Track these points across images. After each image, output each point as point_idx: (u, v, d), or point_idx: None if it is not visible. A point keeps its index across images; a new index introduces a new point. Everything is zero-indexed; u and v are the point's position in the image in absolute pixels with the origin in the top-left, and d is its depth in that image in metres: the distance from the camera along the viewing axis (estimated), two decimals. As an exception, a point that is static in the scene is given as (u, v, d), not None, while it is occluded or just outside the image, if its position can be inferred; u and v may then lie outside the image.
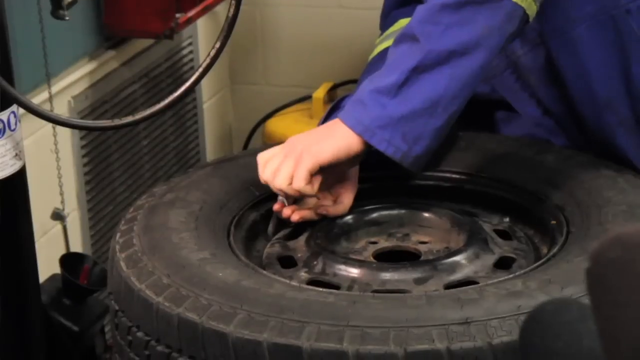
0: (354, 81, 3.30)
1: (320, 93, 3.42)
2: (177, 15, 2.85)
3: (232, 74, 3.78)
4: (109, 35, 2.94)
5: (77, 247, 2.72)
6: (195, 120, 3.49)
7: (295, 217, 1.77)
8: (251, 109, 3.71)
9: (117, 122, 2.03)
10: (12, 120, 1.87)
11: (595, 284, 0.99)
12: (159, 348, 1.48)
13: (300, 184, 1.69)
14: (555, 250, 1.65)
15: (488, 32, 1.69)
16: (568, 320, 1.20)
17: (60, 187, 2.72)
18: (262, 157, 1.77)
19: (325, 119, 1.92)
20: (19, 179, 1.94)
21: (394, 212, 1.84)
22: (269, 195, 1.82)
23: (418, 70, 1.68)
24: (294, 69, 3.70)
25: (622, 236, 1.00)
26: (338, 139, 1.71)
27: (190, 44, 3.40)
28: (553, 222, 1.75)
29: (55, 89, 2.68)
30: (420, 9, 1.75)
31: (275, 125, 3.48)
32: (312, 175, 1.70)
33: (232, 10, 1.80)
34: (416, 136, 1.69)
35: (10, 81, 1.84)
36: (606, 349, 0.93)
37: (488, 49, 1.70)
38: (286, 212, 1.78)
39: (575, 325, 1.17)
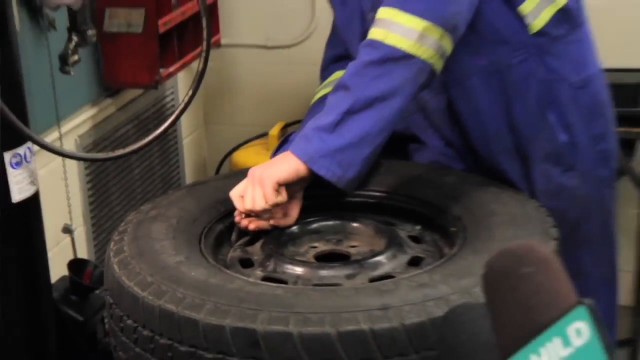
0: (300, 121, 3.31)
1: (274, 131, 3.44)
2: (161, 70, 2.85)
3: (205, 117, 3.79)
4: (107, 86, 2.95)
5: (82, 254, 2.71)
6: (177, 153, 3.49)
7: (252, 227, 1.77)
8: (221, 143, 3.71)
9: (113, 154, 2.02)
10: (28, 154, 1.87)
11: (488, 286, 1.01)
12: (145, 332, 1.48)
13: (272, 199, 1.70)
14: (454, 251, 1.66)
15: (403, 83, 1.70)
16: (472, 318, 1.21)
17: (69, 207, 2.71)
18: (234, 194, 1.76)
19: (276, 151, 1.92)
20: (34, 200, 1.93)
21: (330, 223, 1.84)
22: (231, 210, 1.80)
23: (349, 113, 1.69)
24: (254, 112, 3.72)
25: (508, 249, 1.03)
26: (289, 165, 1.71)
27: (172, 92, 3.40)
28: (453, 229, 1.76)
29: (64, 129, 2.69)
30: (351, 65, 1.75)
31: (239, 156, 3.50)
32: (276, 190, 1.70)
33: (200, 66, 1.79)
34: (348, 164, 1.69)
35: (26, 123, 1.83)
36: (497, 339, 0.94)
37: (404, 96, 1.70)
38: (244, 222, 1.77)
39: (478, 322, 1.18)
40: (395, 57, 1.69)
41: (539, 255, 1.06)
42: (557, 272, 1.03)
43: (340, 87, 1.74)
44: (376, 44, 1.70)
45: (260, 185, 1.71)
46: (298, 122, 3.40)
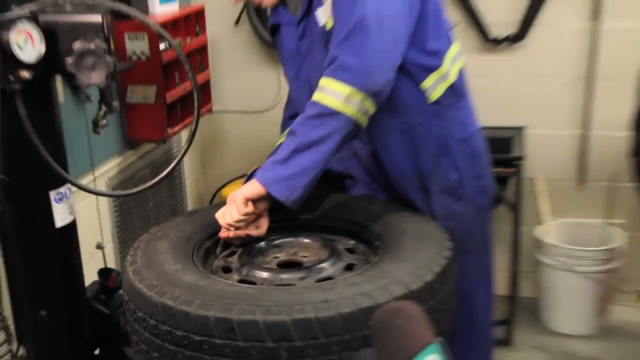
0: None
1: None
2: (168, 129, 2.83)
3: (202, 162, 3.78)
4: (129, 141, 2.93)
5: (110, 264, 2.68)
6: (181, 189, 3.48)
7: (232, 235, 1.76)
8: (213, 182, 3.69)
9: (133, 191, 2.00)
10: (67, 192, 1.85)
11: (373, 333, 1.11)
12: (151, 322, 1.46)
13: (243, 210, 1.70)
14: (377, 259, 1.65)
15: (334, 131, 1.69)
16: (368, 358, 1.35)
17: (101, 230, 2.68)
18: (218, 215, 1.76)
19: (247, 180, 1.92)
20: (72, 226, 1.91)
21: (288, 239, 1.83)
22: (217, 231, 1.79)
23: (295, 152, 1.69)
24: (237, 159, 3.70)
25: (386, 307, 1.14)
26: (253, 187, 1.71)
27: (177, 145, 3.39)
28: (376, 242, 1.75)
29: (97, 173, 2.67)
30: (298, 117, 1.75)
31: (226, 191, 3.47)
32: (245, 204, 1.70)
33: (193, 126, 1.78)
34: (293, 188, 1.68)
35: (66, 170, 1.82)
36: None
37: (334, 141, 1.69)
38: (226, 234, 1.76)
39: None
40: (328, 113, 1.68)
41: (407, 311, 1.14)
42: (420, 322, 1.13)
43: (290, 132, 1.73)
44: (315, 103, 1.70)
45: (234, 202, 1.72)
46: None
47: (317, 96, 1.71)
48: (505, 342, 3.19)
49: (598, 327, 3.29)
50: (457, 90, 1.93)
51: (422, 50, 1.85)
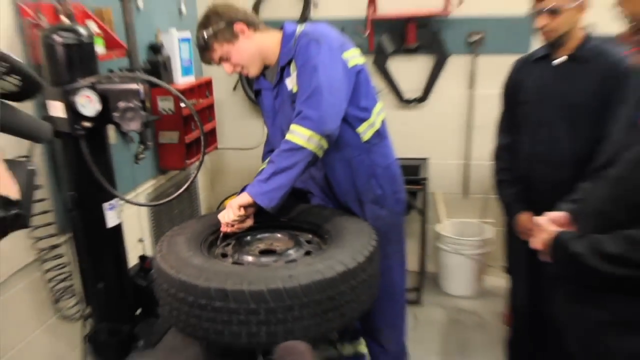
0: None
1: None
2: (187, 161, 2.79)
3: (211, 183, 3.69)
4: (161, 168, 2.86)
5: (148, 253, 2.61)
6: (197, 202, 3.39)
7: (228, 230, 1.74)
8: (218, 196, 3.61)
9: (163, 201, 1.98)
10: (115, 203, 1.83)
11: None
12: (171, 291, 1.44)
13: (237, 213, 1.69)
14: (326, 248, 1.65)
15: (300, 161, 1.67)
16: None
17: (141, 229, 2.63)
18: (220, 216, 1.74)
19: (241, 192, 1.88)
20: (119, 226, 1.90)
21: (267, 234, 1.80)
22: (218, 228, 1.76)
23: (273, 174, 1.67)
24: (235, 181, 3.59)
25: (285, 346, 1.17)
26: (244, 197, 1.68)
27: (193, 171, 3.31)
28: (326, 236, 1.73)
29: (139, 191, 2.62)
30: (275, 151, 1.73)
31: (227, 202, 3.35)
32: (239, 209, 1.69)
33: (200, 159, 1.77)
34: (272, 199, 1.66)
35: (114, 188, 1.80)
36: None
37: (300, 167, 1.68)
38: (223, 229, 1.74)
39: None
40: (296, 148, 1.67)
41: (298, 350, 1.12)
42: (308, 357, 1.09)
43: (270, 161, 1.72)
44: (287, 141, 1.68)
45: (230, 207, 1.70)
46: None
47: (288, 136, 1.70)
48: (417, 302, 3.17)
49: (477, 290, 3.29)
50: (380, 134, 1.93)
51: (357, 106, 1.85)
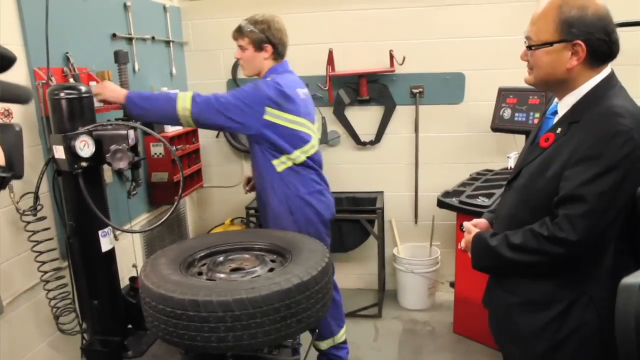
0: (237, 217, 3.26)
1: (227, 222, 3.31)
2: (175, 197, 2.78)
3: (198, 215, 3.64)
4: (153, 203, 2.87)
5: (140, 276, 2.63)
6: (186, 231, 3.36)
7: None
8: (205, 227, 3.57)
9: (153, 227, 1.98)
10: (109, 231, 1.84)
11: None
12: (153, 304, 1.45)
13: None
14: (286, 265, 1.64)
15: (166, 109, 1.87)
16: None
17: (135, 254, 2.63)
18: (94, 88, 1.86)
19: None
20: (112, 250, 1.91)
21: (237, 255, 1.81)
22: (196, 251, 1.76)
23: (148, 99, 1.89)
24: (219, 214, 3.59)
25: None
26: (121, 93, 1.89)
27: (182, 206, 3.33)
28: (287, 255, 1.73)
29: (133, 222, 2.62)
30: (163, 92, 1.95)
31: (214, 232, 3.35)
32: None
33: (179, 195, 1.80)
34: (132, 107, 1.90)
35: (108, 218, 1.82)
36: None
37: (162, 111, 1.88)
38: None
39: None
40: (173, 99, 1.91)
41: None
42: None
43: (156, 94, 1.95)
44: (176, 94, 1.89)
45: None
46: (237, 217, 3.38)
47: (180, 94, 1.89)
48: (378, 316, 3.15)
49: (429, 304, 3.28)
50: (294, 170, 2.04)
51: (274, 146, 1.98)
